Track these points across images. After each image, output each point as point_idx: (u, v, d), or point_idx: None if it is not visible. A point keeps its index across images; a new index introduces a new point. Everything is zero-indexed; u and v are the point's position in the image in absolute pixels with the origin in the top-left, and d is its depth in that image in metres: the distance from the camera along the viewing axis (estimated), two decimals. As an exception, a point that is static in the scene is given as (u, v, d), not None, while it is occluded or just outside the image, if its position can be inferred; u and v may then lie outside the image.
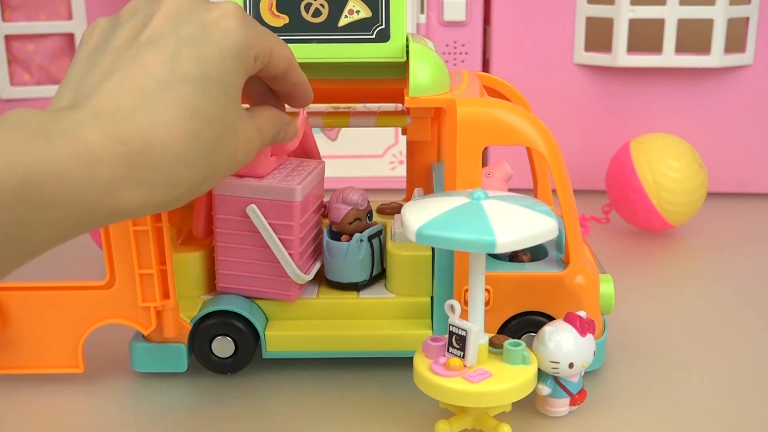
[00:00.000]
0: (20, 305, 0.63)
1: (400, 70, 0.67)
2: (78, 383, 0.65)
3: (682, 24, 1.00)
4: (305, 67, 0.67)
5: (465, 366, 0.55)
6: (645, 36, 1.05)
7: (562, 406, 0.60)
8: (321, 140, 1.06)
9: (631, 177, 0.89)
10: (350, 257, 0.65)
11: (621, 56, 1.00)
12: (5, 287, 0.62)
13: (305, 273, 0.64)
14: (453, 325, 0.56)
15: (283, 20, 0.64)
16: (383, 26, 0.64)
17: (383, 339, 0.64)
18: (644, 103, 1.04)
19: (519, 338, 0.62)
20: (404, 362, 0.62)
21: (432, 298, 0.65)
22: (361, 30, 0.64)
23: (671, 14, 0.98)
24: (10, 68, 1.16)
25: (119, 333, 0.66)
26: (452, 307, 0.56)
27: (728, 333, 0.72)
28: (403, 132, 0.73)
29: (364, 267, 0.66)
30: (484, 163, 1.01)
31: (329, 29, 0.64)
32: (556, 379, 0.59)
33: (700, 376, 0.65)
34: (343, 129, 1.07)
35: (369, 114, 0.71)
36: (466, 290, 0.61)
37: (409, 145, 0.77)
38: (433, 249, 0.64)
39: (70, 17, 1.15)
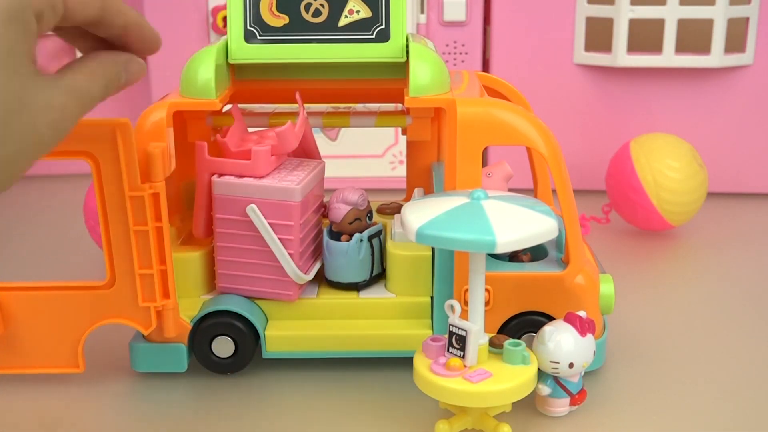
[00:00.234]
0: (20, 305, 0.63)
1: (400, 70, 0.67)
2: (78, 383, 0.65)
3: (682, 24, 1.00)
4: (305, 67, 0.67)
5: (465, 366, 0.55)
6: (645, 36, 1.05)
7: (562, 406, 0.60)
8: (321, 140, 1.06)
9: (631, 177, 0.89)
10: (350, 257, 0.65)
11: (621, 56, 1.00)
12: (5, 287, 0.62)
13: (305, 273, 0.64)
14: (453, 325, 0.56)
15: (283, 20, 0.64)
16: (383, 26, 0.64)
17: (383, 339, 0.64)
18: (644, 103, 1.04)
19: (519, 338, 0.62)
20: (404, 362, 0.62)
21: (432, 298, 0.65)
22: (361, 30, 0.64)
23: (671, 14, 0.98)
24: (10, 68, 1.15)
25: (119, 333, 0.66)
26: (452, 307, 0.56)
27: (728, 333, 0.72)
28: (403, 132, 0.73)
29: (364, 267, 0.66)
30: (484, 163, 1.01)
31: (329, 29, 0.64)
32: (556, 379, 0.59)
33: (700, 376, 0.65)
34: (343, 129, 1.07)
35: (369, 114, 0.71)
36: (466, 290, 0.61)
37: (409, 145, 0.77)
38: (433, 249, 0.64)
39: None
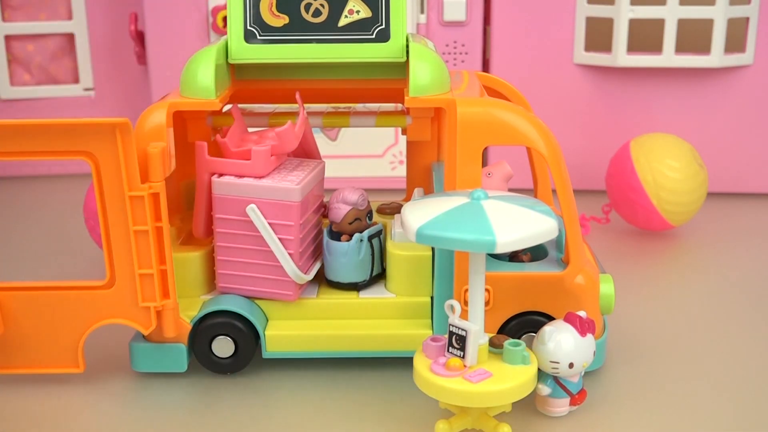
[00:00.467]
0: (20, 305, 0.63)
1: (400, 70, 0.67)
2: (78, 383, 0.65)
3: (682, 24, 1.00)
4: (305, 67, 0.67)
5: (465, 366, 0.55)
6: (645, 36, 1.05)
7: (562, 406, 0.60)
8: (321, 140, 1.06)
9: (631, 177, 0.89)
10: (350, 257, 0.65)
11: (621, 56, 1.00)
12: (5, 287, 0.62)
13: (305, 273, 0.64)
14: (453, 325, 0.56)
15: (283, 20, 0.64)
16: (383, 26, 0.64)
17: (383, 339, 0.64)
18: (644, 103, 1.04)
19: (519, 338, 0.63)
20: (404, 362, 0.63)
21: (432, 298, 0.65)
22: (361, 30, 0.64)
23: (671, 14, 0.98)
24: (10, 68, 1.16)
25: (119, 333, 0.66)
26: (452, 307, 0.56)
27: (728, 333, 0.72)
28: (403, 132, 0.73)
29: (364, 267, 0.66)
30: (484, 163, 1.01)
31: (329, 29, 0.64)
32: (556, 379, 0.59)
33: (700, 376, 0.65)
34: (343, 129, 1.07)
35: (369, 114, 0.71)
36: (466, 290, 0.61)
37: (409, 145, 0.77)
38: (433, 249, 0.64)
39: (70, 17, 1.15)
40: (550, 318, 0.62)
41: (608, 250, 0.90)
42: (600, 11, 1.01)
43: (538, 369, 0.57)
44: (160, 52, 1.07)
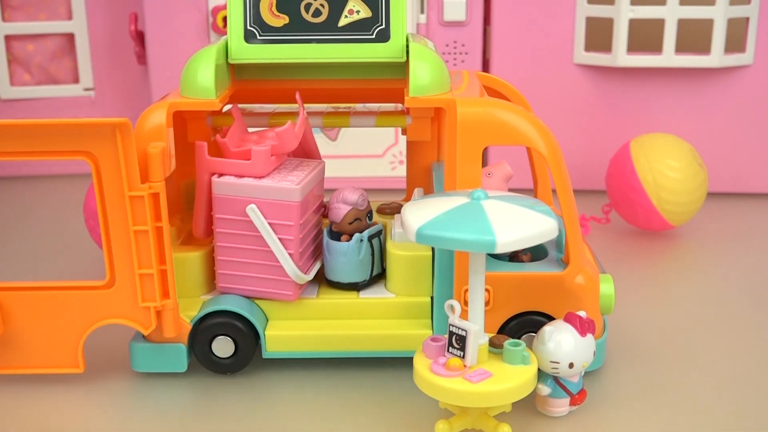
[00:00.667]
0: (20, 305, 0.63)
1: (400, 70, 0.67)
2: (78, 383, 0.65)
3: (682, 24, 1.00)
4: (305, 67, 0.67)
5: (465, 366, 0.55)
6: (645, 36, 1.05)
7: (562, 406, 0.60)
8: (321, 140, 1.06)
9: (631, 177, 0.89)
10: (350, 257, 0.65)
11: (621, 56, 1.00)
12: (5, 287, 0.62)
13: (305, 273, 0.64)
14: (453, 325, 0.56)
15: (283, 20, 0.64)
16: (383, 26, 0.64)
17: (383, 339, 0.64)
18: (644, 103, 1.04)
19: (519, 338, 0.63)
20: (404, 362, 0.63)
21: (432, 298, 0.65)
22: (361, 30, 0.64)
23: (671, 14, 0.98)
24: (10, 68, 1.16)
25: (119, 333, 0.66)
26: (452, 307, 0.56)
27: (728, 333, 0.72)
28: (403, 132, 0.73)
29: (364, 267, 0.66)
30: (484, 163, 1.01)
31: (329, 29, 0.64)
32: (556, 379, 0.59)
33: (700, 376, 0.65)
34: (343, 129, 1.07)
35: (369, 114, 0.71)
36: (466, 290, 0.61)
37: (409, 145, 0.77)
38: (433, 249, 0.64)
39: (70, 17, 1.15)
40: (550, 318, 0.62)
41: (608, 250, 0.90)
42: (600, 11, 1.01)
43: (538, 369, 0.57)
44: (160, 52, 1.07)
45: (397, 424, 0.60)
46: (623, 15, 0.99)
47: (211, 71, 0.62)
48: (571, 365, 0.58)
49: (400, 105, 0.75)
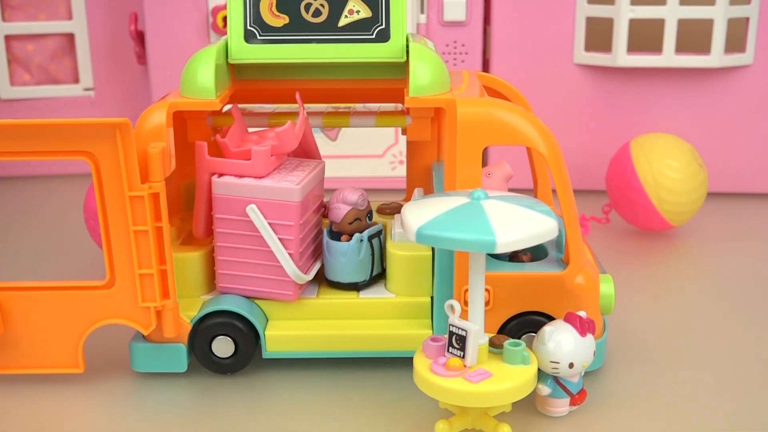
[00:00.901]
0: (20, 305, 0.63)
1: (400, 70, 0.67)
2: (78, 383, 0.65)
3: (682, 24, 1.00)
4: (305, 67, 0.67)
5: (465, 366, 0.55)
6: (645, 36, 1.05)
7: (562, 406, 0.60)
8: (321, 140, 1.06)
9: (631, 177, 0.89)
10: (350, 257, 0.65)
11: (621, 56, 1.00)
12: (5, 287, 0.62)
13: (305, 273, 0.64)
14: (453, 325, 0.56)
15: (283, 20, 0.64)
16: (383, 26, 0.64)
17: (383, 339, 0.64)
18: (644, 103, 1.04)
19: (519, 338, 0.63)
20: (404, 362, 0.63)
21: (432, 298, 0.65)
22: (361, 30, 0.64)
23: (671, 14, 0.98)
24: (10, 68, 1.16)
25: (119, 333, 0.66)
26: (452, 307, 0.56)
27: (729, 333, 0.72)
28: (403, 132, 0.73)
29: (364, 267, 0.66)
30: (484, 163, 1.01)
31: (329, 29, 0.64)
32: (556, 379, 0.59)
33: (700, 376, 0.65)
34: (343, 129, 1.07)
35: (369, 114, 0.71)
36: (467, 290, 0.61)
37: (409, 145, 0.77)
38: (433, 249, 0.64)
39: (70, 17, 1.15)
40: (550, 318, 0.62)
41: (608, 250, 0.90)
42: (600, 11, 1.01)
43: (538, 369, 0.57)
44: (160, 52, 1.07)
45: (397, 424, 0.60)
46: (623, 15, 0.99)
47: (211, 71, 0.62)
48: (571, 365, 0.58)
49: (399, 105, 0.75)
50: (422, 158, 0.77)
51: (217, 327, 0.64)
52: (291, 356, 0.64)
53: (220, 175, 0.64)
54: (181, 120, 0.69)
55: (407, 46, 0.64)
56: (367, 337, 0.64)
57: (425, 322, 0.65)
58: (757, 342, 0.71)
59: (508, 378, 0.55)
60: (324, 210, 0.69)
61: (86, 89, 1.18)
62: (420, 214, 0.54)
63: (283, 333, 0.64)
